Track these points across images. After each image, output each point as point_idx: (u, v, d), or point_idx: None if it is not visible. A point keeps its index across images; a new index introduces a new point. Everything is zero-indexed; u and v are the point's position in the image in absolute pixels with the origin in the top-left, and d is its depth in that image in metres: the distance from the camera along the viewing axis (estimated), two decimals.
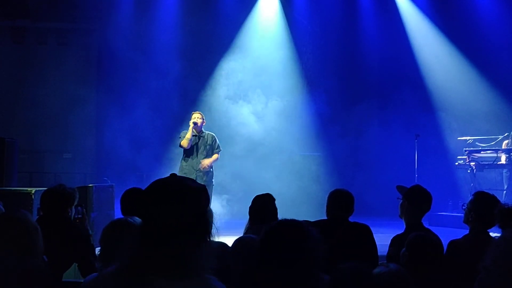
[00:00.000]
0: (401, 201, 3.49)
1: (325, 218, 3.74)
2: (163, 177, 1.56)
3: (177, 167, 7.12)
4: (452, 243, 3.12)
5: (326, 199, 3.78)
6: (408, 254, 2.47)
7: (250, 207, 3.98)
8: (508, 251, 1.13)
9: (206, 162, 6.87)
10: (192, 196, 1.50)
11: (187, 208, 1.48)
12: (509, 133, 9.08)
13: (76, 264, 3.65)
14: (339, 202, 3.67)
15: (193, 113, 7.08)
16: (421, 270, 2.45)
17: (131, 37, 10.18)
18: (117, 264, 1.50)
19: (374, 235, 3.64)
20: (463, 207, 3.24)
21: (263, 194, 4.06)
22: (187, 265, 1.46)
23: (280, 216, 3.99)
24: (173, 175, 1.57)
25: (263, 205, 3.96)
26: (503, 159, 8.93)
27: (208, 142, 7.00)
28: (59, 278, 3.30)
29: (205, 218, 1.52)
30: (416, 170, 8.96)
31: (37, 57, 10.54)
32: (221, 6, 10.27)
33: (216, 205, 7.56)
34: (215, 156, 7.01)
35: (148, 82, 9.81)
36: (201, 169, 6.84)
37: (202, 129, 7.03)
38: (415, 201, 3.45)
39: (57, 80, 10.54)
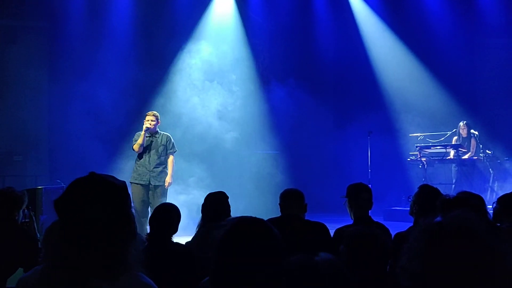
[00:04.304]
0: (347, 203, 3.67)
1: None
2: (83, 176, 1.52)
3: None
4: (397, 235, 3.23)
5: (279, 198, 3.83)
6: (346, 249, 2.46)
7: (203, 205, 3.95)
8: (420, 250, 1.14)
9: (168, 179, 6.78)
10: (114, 194, 1.47)
11: (110, 207, 1.44)
12: (457, 129, 9.43)
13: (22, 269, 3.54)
14: (289, 200, 3.71)
15: (147, 114, 6.86)
16: (361, 263, 2.44)
17: (84, 31, 9.89)
18: (46, 263, 1.46)
19: (330, 232, 3.70)
20: (409, 199, 3.37)
21: (215, 192, 4.03)
22: (116, 264, 1.43)
23: (233, 214, 3.98)
24: (92, 173, 1.53)
25: (216, 203, 3.93)
26: (451, 154, 9.27)
27: (162, 143, 6.86)
28: (2, 283, 3.20)
29: (129, 215, 1.49)
30: (369, 166, 9.14)
31: None
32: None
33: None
34: (170, 162, 6.87)
35: (104, 76, 9.51)
36: (166, 187, 6.77)
37: (157, 129, 6.90)
38: (352, 194, 3.64)
39: (6, 79, 10.15)
